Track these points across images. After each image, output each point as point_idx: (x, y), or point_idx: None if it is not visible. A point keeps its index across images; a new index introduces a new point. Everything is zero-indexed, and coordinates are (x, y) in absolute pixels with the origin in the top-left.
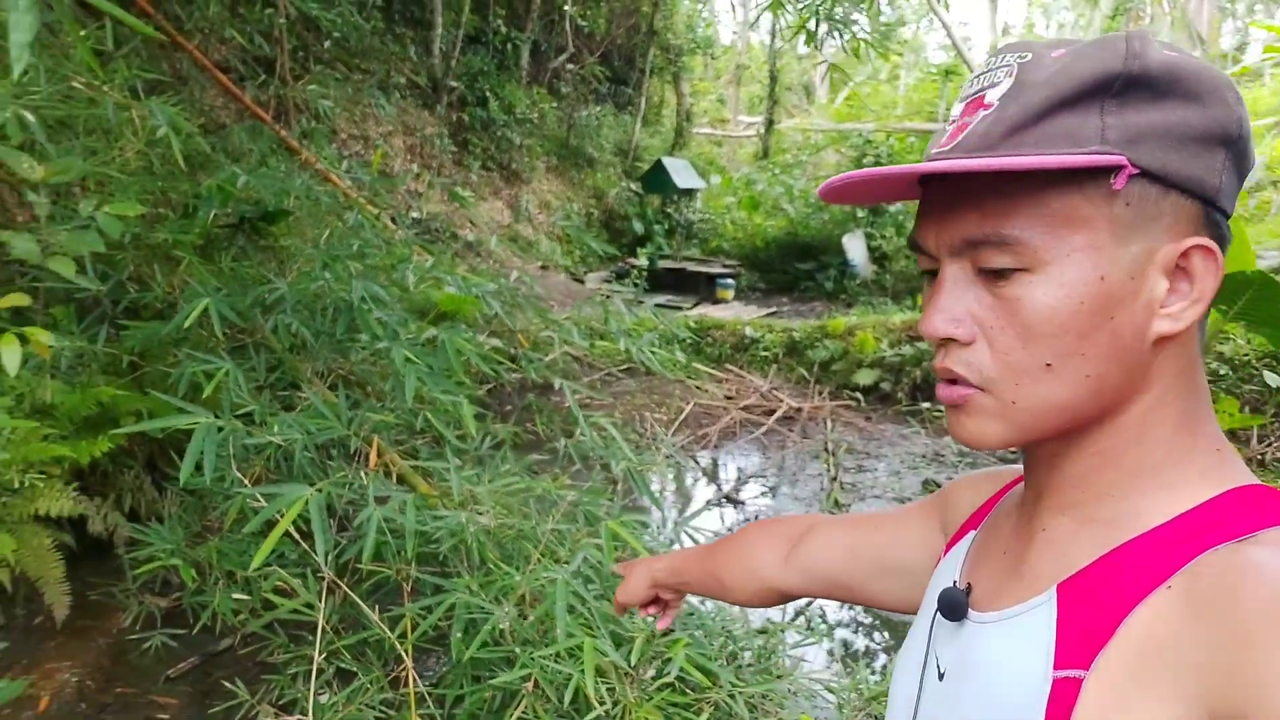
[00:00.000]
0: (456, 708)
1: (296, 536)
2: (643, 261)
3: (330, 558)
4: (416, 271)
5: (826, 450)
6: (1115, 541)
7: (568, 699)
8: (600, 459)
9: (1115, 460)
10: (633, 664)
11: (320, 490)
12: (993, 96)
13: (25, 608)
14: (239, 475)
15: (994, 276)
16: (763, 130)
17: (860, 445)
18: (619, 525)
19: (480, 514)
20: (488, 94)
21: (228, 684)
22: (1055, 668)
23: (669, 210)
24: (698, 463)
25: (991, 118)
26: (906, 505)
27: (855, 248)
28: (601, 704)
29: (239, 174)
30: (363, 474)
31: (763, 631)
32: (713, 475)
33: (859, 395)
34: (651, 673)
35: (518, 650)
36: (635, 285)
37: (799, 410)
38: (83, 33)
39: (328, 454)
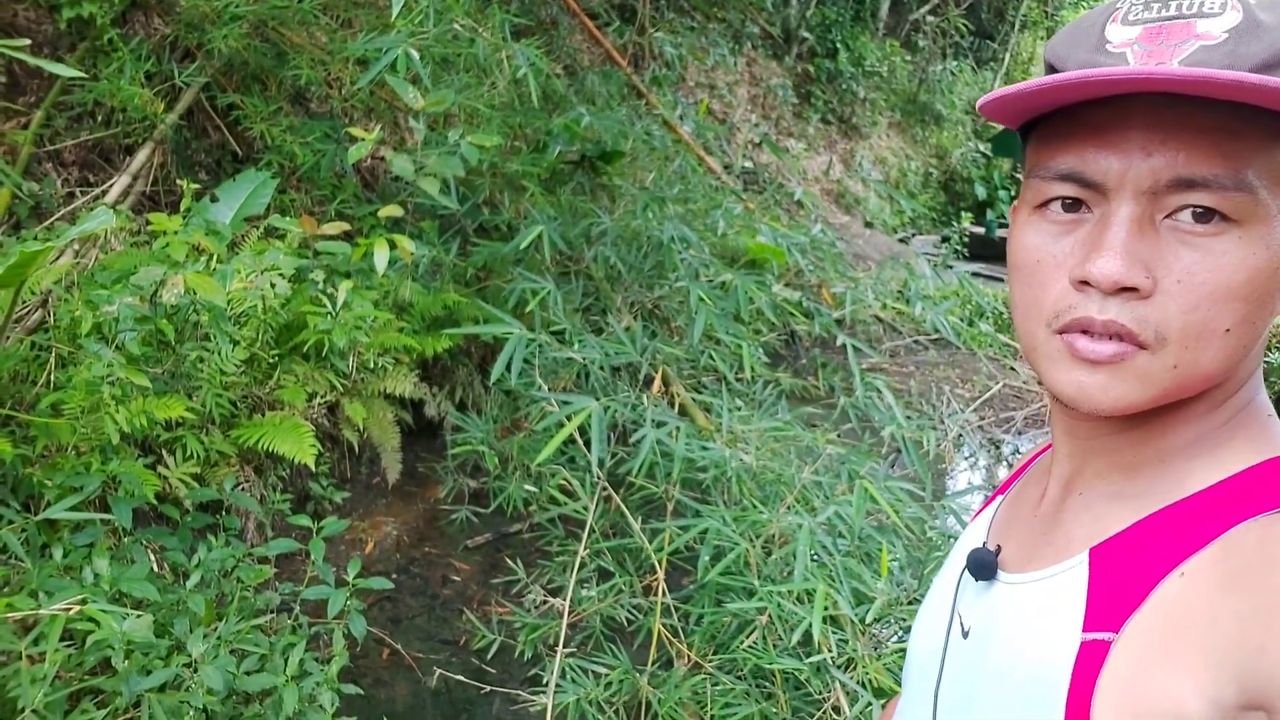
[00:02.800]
0: (696, 625)
1: (582, 445)
2: (978, 226)
3: (605, 466)
4: (727, 217)
5: None
6: (1152, 507)
7: (796, 638)
8: (877, 422)
9: (1176, 430)
10: (869, 622)
11: (605, 405)
12: (1208, 28)
13: (367, 468)
14: (542, 383)
15: (1195, 223)
16: None
17: None
18: (873, 487)
19: (745, 452)
20: (838, 45)
21: (510, 562)
22: (1084, 630)
23: (1018, 175)
24: (996, 446)
25: (1225, 49)
26: None
27: None
28: (829, 651)
29: (584, 114)
30: (645, 398)
31: None
32: (1008, 461)
33: None
34: (891, 635)
35: (758, 584)
36: (955, 252)
37: None
38: None
39: (620, 376)
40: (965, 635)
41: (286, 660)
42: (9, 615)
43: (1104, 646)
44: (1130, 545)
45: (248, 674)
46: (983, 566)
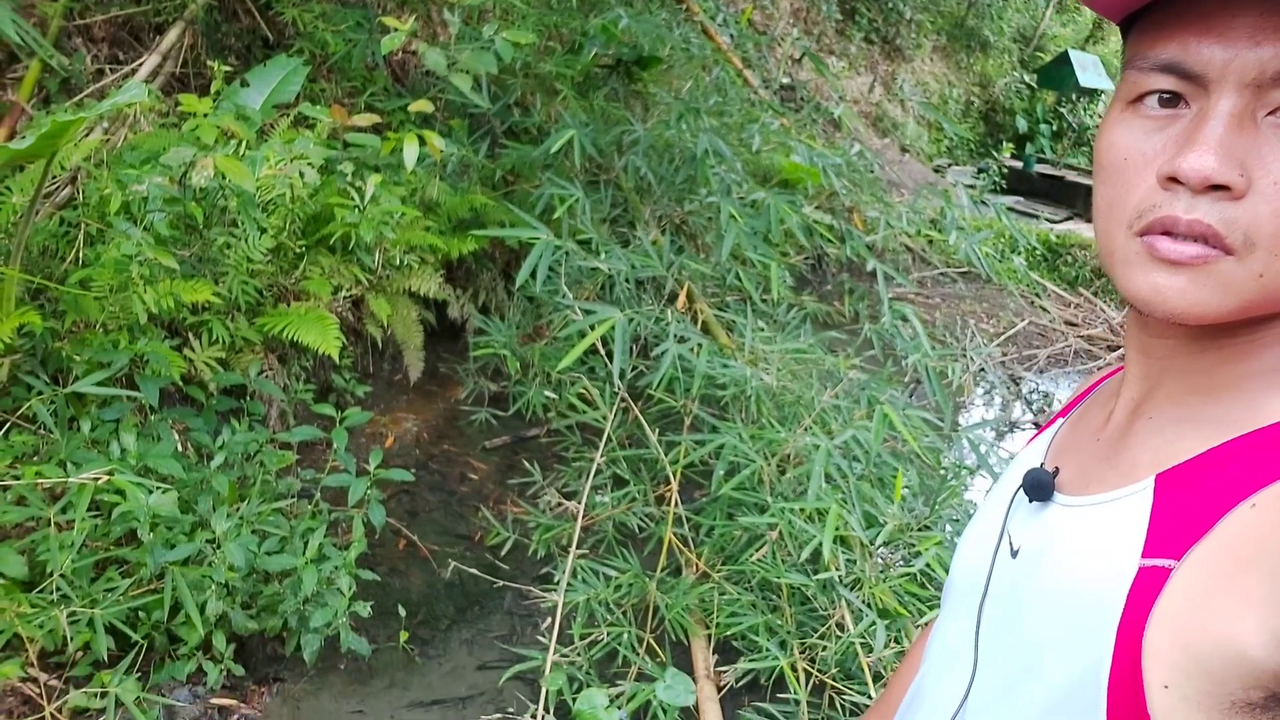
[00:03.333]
0: (707, 536)
1: (605, 355)
2: (1016, 159)
3: (626, 378)
4: (763, 133)
5: None
6: (1225, 436)
7: (805, 555)
8: (900, 351)
9: (1258, 353)
10: (878, 544)
11: (628, 317)
12: None
13: (390, 365)
14: (566, 291)
15: None
16: None
17: None
18: (894, 413)
19: (765, 372)
20: None
21: (527, 464)
22: (1144, 555)
23: (1062, 110)
24: (1016, 382)
25: None
26: None
27: None
28: (837, 570)
29: (622, 16)
30: (669, 313)
31: None
32: (1027, 398)
33: None
34: (897, 559)
35: (771, 500)
36: (993, 184)
37: None
38: None
39: (645, 289)
40: (1014, 555)
41: (306, 544)
42: (39, 483)
43: (1163, 573)
44: (1199, 473)
45: (268, 554)
46: (1039, 487)
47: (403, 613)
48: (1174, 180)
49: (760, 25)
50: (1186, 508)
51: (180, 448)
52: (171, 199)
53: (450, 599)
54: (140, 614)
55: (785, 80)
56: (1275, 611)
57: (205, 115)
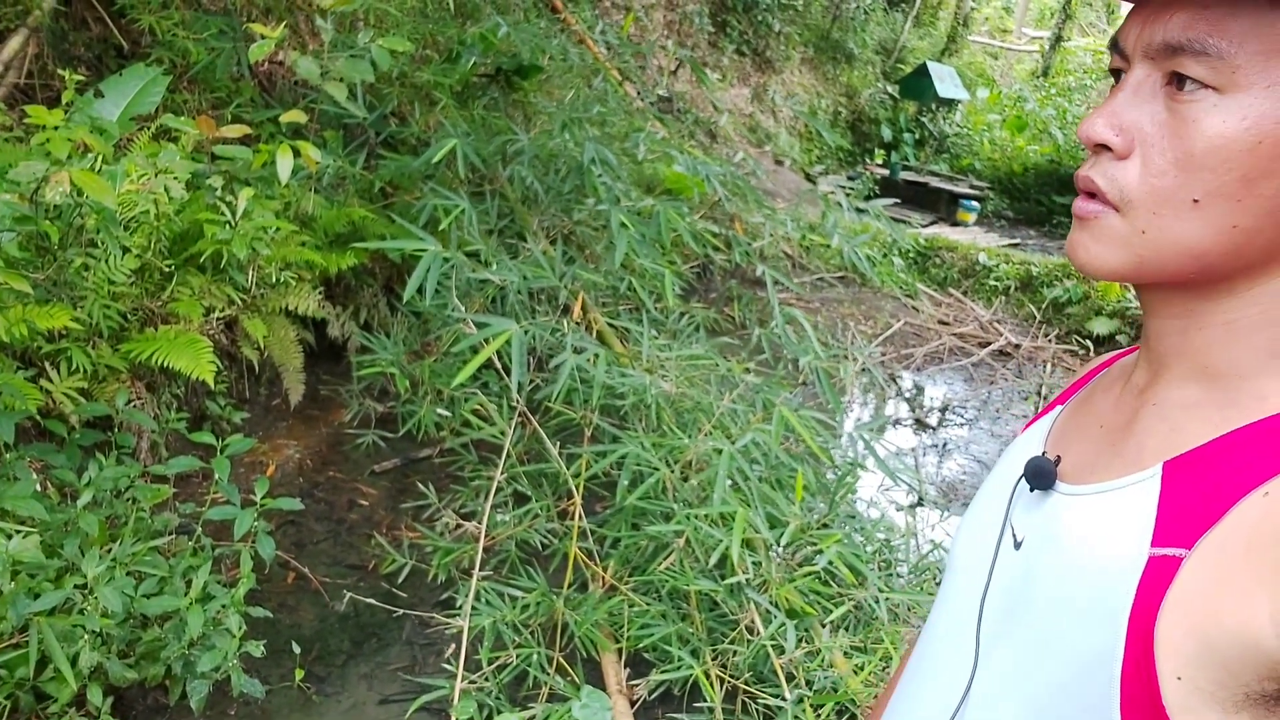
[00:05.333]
0: (613, 548)
1: (500, 369)
2: (883, 168)
3: (524, 391)
4: (648, 142)
5: (1039, 393)
6: (1234, 423)
7: (713, 560)
8: (790, 355)
9: (1247, 335)
10: (783, 545)
11: (525, 329)
12: None
13: (268, 389)
14: (459, 305)
15: (1178, 89)
16: (1047, 46)
17: None
18: (793, 415)
19: (664, 380)
20: None
21: (421, 486)
22: (1153, 544)
23: (924, 119)
24: (896, 381)
25: None
26: None
27: None
28: (744, 573)
29: (501, 25)
30: (565, 324)
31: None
32: (909, 396)
33: (1089, 343)
34: (800, 558)
35: (676, 508)
36: (869, 191)
37: (1017, 347)
38: None
39: (537, 300)
40: (1017, 546)
41: (189, 583)
42: None
43: (1174, 563)
44: (1208, 460)
45: (146, 597)
46: (1041, 475)
47: (296, 650)
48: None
49: (635, 37)
50: (1196, 496)
51: (41, 487)
52: (22, 217)
53: (346, 632)
54: (2, 672)
55: (662, 92)
56: None
57: (56, 128)
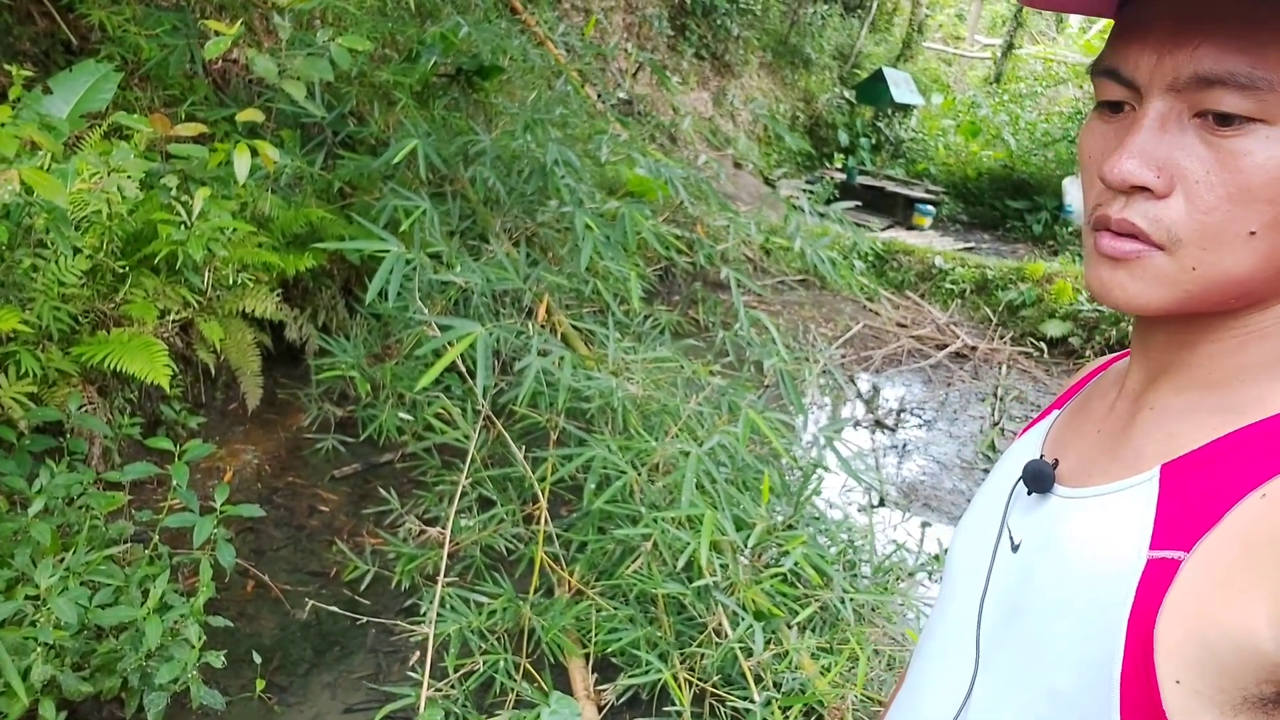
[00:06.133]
0: (580, 552)
1: (463, 372)
2: (840, 172)
3: (489, 395)
4: (611, 144)
5: (995, 395)
6: (1232, 425)
7: (681, 563)
8: (754, 357)
9: (1256, 343)
10: (749, 547)
11: (490, 331)
12: None
13: (224, 393)
14: (421, 306)
15: (1218, 123)
16: (999, 54)
17: (1033, 396)
18: (759, 417)
19: (630, 382)
20: None
21: (383, 491)
22: (1152, 547)
23: (880, 124)
24: (855, 383)
25: None
26: None
27: (1076, 193)
28: (712, 575)
29: (462, 24)
30: (530, 326)
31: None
32: (868, 398)
33: (1044, 345)
34: (766, 560)
35: (643, 511)
36: (830, 195)
37: (974, 349)
38: None
39: (501, 303)
40: (1015, 549)
41: (146, 593)
42: None
43: (1173, 565)
44: (1206, 463)
45: (101, 608)
46: (1039, 478)
47: (257, 659)
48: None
49: (595, 39)
50: (1194, 498)
51: None
52: None
53: (308, 641)
54: None
55: (623, 95)
56: None
57: (3, 124)
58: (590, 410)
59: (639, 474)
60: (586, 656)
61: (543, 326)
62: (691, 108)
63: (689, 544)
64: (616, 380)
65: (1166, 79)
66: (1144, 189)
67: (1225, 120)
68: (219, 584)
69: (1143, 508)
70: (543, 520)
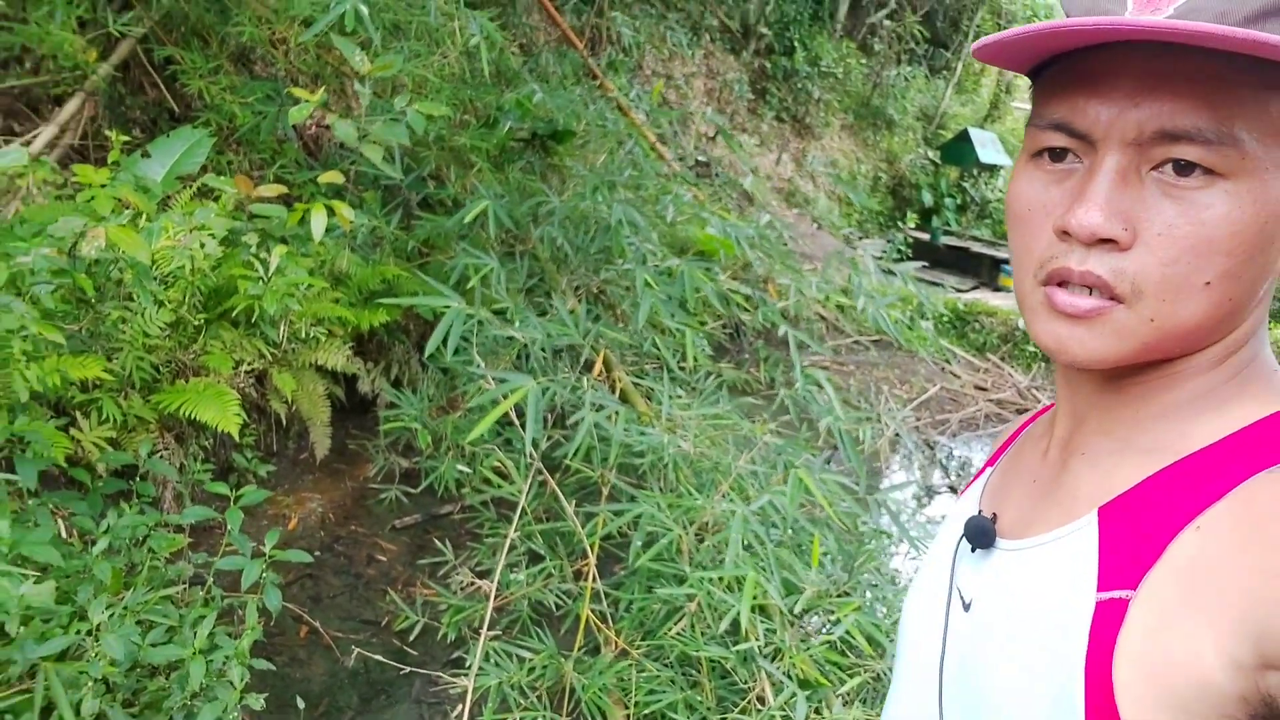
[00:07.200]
0: (626, 611)
1: (520, 426)
2: (919, 231)
3: (540, 448)
4: (676, 204)
5: None
6: (1161, 463)
7: (724, 625)
8: (815, 416)
9: (1183, 382)
10: (797, 612)
11: (542, 385)
12: None
13: (295, 443)
14: (480, 360)
15: (1178, 176)
16: None
17: None
18: (809, 477)
19: (683, 439)
20: (795, 43)
21: (439, 543)
22: (1099, 589)
23: (965, 184)
24: (930, 446)
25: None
26: None
27: None
28: (756, 640)
29: (537, 91)
30: (585, 381)
31: None
32: (942, 463)
33: None
34: (816, 626)
35: (689, 570)
36: (900, 255)
37: None
38: None
39: (560, 357)
40: (966, 608)
41: (196, 633)
42: None
43: (1122, 605)
44: (1140, 501)
45: (154, 646)
46: (981, 534)
47: (301, 704)
48: (1067, 234)
49: (675, 104)
50: (1133, 537)
51: (63, 534)
52: (59, 270)
53: (354, 688)
54: (7, 717)
55: (700, 157)
56: (1230, 635)
57: (102, 186)
58: (642, 466)
59: (686, 532)
60: (626, 718)
61: (600, 381)
62: (771, 169)
63: (732, 606)
64: (669, 436)
65: (1129, 133)
66: (1107, 241)
67: (1184, 170)
68: (273, 628)
69: (1085, 551)
70: (591, 577)
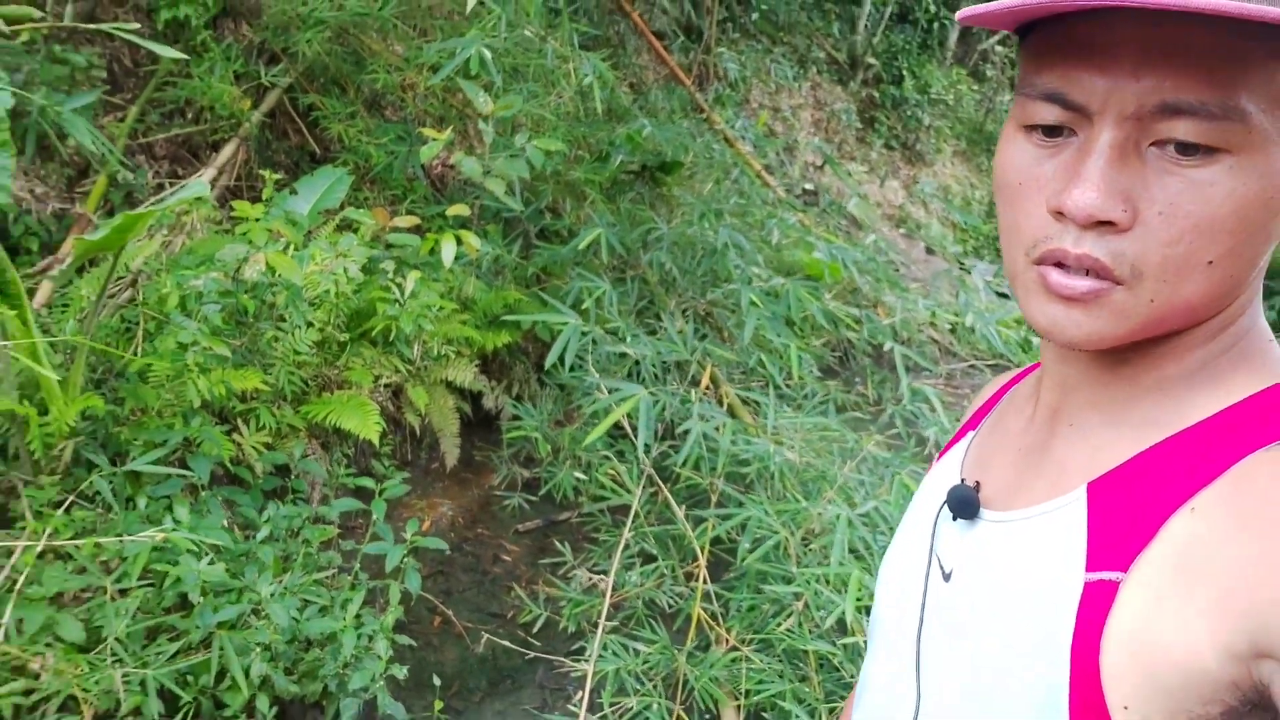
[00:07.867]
0: (736, 610)
1: (633, 437)
2: None
3: (652, 457)
4: (782, 228)
5: None
6: (1153, 438)
7: (830, 622)
8: (923, 429)
9: (1180, 356)
10: None
11: (653, 395)
12: None
13: (427, 453)
14: (594, 373)
15: (1181, 153)
16: None
17: None
18: (915, 485)
19: (789, 449)
20: (904, 72)
21: (559, 545)
22: (1088, 569)
23: None
24: None
25: None
26: None
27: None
28: (862, 636)
29: (647, 125)
30: (694, 394)
31: None
32: None
33: None
34: None
35: (795, 571)
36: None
37: None
38: None
39: (669, 373)
40: (946, 579)
41: (346, 611)
42: (98, 555)
43: (1111, 587)
44: (1132, 478)
45: (309, 621)
46: (964, 504)
47: (437, 682)
48: (1062, 213)
49: (781, 134)
50: (1124, 516)
51: (227, 524)
52: (225, 292)
53: (483, 672)
54: (189, 677)
55: (808, 185)
56: (1223, 621)
57: (257, 219)
58: (749, 474)
59: (792, 536)
60: (737, 708)
61: (706, 395)
62: (882, 196)
63: (838, 605)
64: (775, 447)
65: (1128, 107)
66: (1105, 223)
67: (1187, 149)
68: (409, 617)
69: (1074, 528)
70: (701, 578)
